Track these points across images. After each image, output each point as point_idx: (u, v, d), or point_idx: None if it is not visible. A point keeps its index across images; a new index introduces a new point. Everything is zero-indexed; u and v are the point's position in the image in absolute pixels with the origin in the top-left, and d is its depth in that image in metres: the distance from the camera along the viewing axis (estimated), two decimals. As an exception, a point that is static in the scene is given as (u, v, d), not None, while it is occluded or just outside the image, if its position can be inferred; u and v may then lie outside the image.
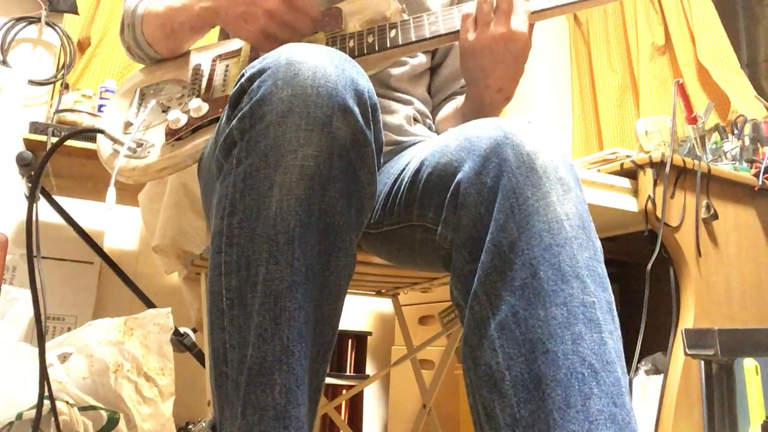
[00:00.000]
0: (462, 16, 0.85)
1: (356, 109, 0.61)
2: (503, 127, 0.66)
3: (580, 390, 0.54)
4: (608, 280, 0.61)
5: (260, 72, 0.62)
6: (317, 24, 0.92)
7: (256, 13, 0.85)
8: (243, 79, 0.64)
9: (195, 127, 0.90)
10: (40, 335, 1.04)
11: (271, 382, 0.56)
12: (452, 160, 0.69)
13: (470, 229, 0.65)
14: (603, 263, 0.62)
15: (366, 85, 0.64)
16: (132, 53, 1.06)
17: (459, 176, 0.67)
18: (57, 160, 1.63)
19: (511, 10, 0.82)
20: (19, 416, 1.17)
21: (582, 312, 0.57)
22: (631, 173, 1.64)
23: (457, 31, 0.87)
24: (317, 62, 0.61)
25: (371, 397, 2.39)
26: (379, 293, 1.43)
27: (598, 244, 0.62)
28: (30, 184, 1.51)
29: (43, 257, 1.61)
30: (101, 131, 0.94)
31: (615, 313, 0.60)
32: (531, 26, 0.84)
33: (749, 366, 1.31)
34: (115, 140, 0.93)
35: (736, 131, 1.97)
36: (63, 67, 2.05)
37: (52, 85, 2.07)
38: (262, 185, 0.59)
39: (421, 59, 1.08)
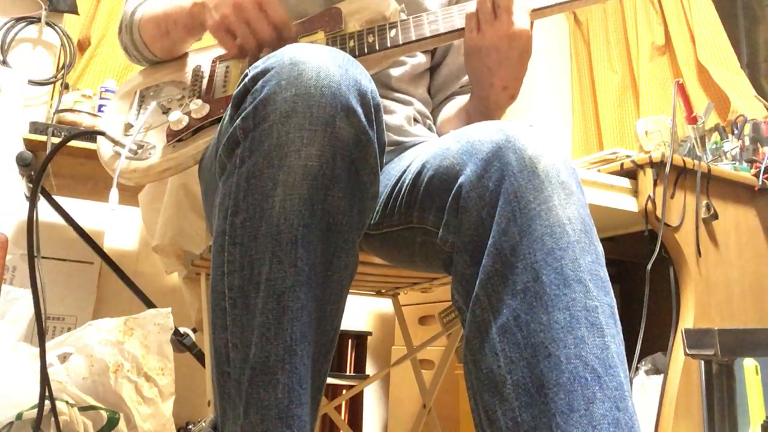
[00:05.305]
0: (466, 15, 0.86)
1: (359, 110, 0.61)
2: (505, 130, 0.66)
3: (583, 394, 0.54)
4: (610, 284, 0.61)
5: (264, 72, 0.62)
6: (316, 23, 0.92)
7: (227, 2, 0.86)
8: (246, 79, 0.64)
9: (196, 128, 0.91)
10: (41, 335, 1.04)
11: (274, 381, 0.56)
12: (454, 164, 0.69)
13: (472, 232, 0.65)
14: (605, 267, 0.61)
15: (369, 85, 0.64)
16: (129, 54, 1.07)
17: (461, 180, 0.67)
18: (57, 160, 1.63)
19: (512, 8, 0.82)
20: (19, 416, 1.17)
21: (584, 316, 0.57)
22: (631, 173, 1.64)
23: (457, 30, 0.87)
24: (321, 62, 0.61)
25: (371, 397, 2.39)
26: (379, 293, 1.43)
27: (600, 248, 0.62)
28: (30, 185, 1.51)
29: (43, 257, 1.61)
30: (102, 133, 0.94)
31: (617, 317, 0.59)
32: (531, 24, 0.84)
33: (749, 366, 1.31)
34: (116, 142, 0.93)
35: (736, 131, 1.97)
36: (63, 67, 2.05)
37: (52, 85, 2.07)
38: (266, 185, 0.59)
39: (420, 59, 1.08)
